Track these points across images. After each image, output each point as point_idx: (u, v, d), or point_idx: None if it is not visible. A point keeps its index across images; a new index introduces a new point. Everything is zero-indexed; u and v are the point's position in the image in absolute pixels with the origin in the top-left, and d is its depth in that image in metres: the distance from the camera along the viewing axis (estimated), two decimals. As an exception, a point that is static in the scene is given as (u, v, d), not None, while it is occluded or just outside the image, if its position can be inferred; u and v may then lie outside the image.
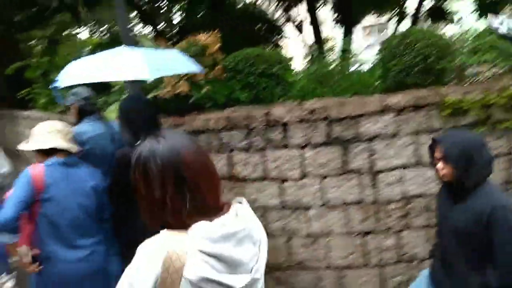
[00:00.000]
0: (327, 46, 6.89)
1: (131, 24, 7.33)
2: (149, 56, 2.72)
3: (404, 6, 7.56)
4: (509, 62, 3.50)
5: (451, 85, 3.56)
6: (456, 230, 2.03)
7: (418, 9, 7.39)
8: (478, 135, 2.57)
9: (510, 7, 7.94)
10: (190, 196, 1.07)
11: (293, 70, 4.41)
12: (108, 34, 8.90)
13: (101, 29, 9.88)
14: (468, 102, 3.20)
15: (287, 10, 8.11)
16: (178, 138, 1.14)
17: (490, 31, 4.19)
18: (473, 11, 8.19)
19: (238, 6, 8.05)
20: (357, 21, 7.80)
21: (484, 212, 1.91)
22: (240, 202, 1.18)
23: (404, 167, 3.30)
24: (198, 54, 3.52)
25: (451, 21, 8.24)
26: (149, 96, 3.62)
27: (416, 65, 3.51)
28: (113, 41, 5.82)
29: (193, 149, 1.13)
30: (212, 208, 1.11)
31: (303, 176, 3.39)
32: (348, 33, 6.99)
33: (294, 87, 3.95)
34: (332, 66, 4.11)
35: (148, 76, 2.59)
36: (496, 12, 7.69)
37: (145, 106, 2.64)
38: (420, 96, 3.25)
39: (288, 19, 8.23)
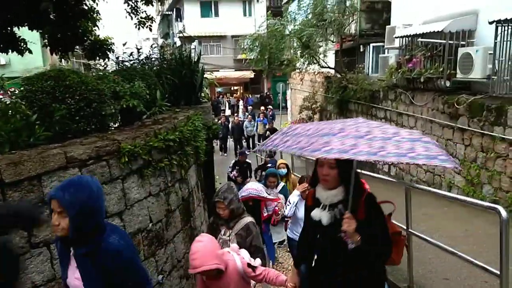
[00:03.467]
0: None
1: None
2: None
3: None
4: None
5: (115, 131, 3.61)
6: None
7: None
8: None
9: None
10: None
11: None
12: None
13: None
14: (139, 147, 3.42)
15: None
16: None
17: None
18: (44, 45, 8.21)
19: None
20: None
21: None
22: None
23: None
24: None
25: (23, 51, 7.78)
26: None
27: (81, 110, 3.29)
28: None
29: None
30: None
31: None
32: None
33: None
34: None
35: None
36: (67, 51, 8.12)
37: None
38: (100, 146, 3.09)
39: None
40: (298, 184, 5.63)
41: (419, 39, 8.94)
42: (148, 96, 4.31)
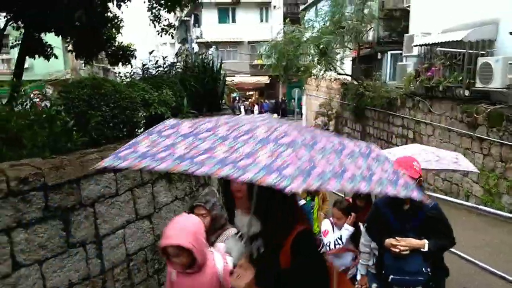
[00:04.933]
0: None
1: None
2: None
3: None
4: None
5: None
6: None
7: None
8: None
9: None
10: None
11: None
12: None
13: None
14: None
15: None
16: None
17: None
18: (70, 51, 8.52)
19: None
20: None
21: None
22: None
23: (127, 223, 3.20)
24: None
25: (49, 56, 8.09)
26: None
27: (115, 117, 3.47)
28: None
29: None
30: None
31: (14, 268, 2.47)
32: None
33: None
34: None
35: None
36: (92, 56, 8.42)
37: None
38: (133, 151, 3.25)
39: None
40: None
41: (438, 48, 8.95)
42: (174, 103, 4.48)
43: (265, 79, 29.64)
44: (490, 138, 7.38)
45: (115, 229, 3.10)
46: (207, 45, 27.00)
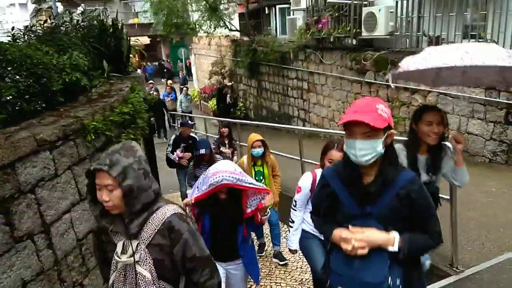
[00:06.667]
0: None
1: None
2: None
3: None
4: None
5: (67, 108, 3.28)
6: None
7: None
8: None
9: None
10: None
11: None
12: None
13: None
14: (101, 123, 3.20)
15: None
16: None
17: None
18: None
19: None
20: None
21: None
22: None
23: (72, 205, 2.83)
24: None
25: None
26: None
27: (30, 87, 2.92)
28: None
29: None
30: None
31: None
32: None
33: None
34: None
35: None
36: None
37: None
38: (66, 125, 2.82)
39: None
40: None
41: (327, 0, 9.49)
42: (85, 68, 3.96)
43: (145, 40, 27.78)
44: (378, 82, 8.30)
45: (61, 214, 2.72)
46: (72, 4, 23.93)
